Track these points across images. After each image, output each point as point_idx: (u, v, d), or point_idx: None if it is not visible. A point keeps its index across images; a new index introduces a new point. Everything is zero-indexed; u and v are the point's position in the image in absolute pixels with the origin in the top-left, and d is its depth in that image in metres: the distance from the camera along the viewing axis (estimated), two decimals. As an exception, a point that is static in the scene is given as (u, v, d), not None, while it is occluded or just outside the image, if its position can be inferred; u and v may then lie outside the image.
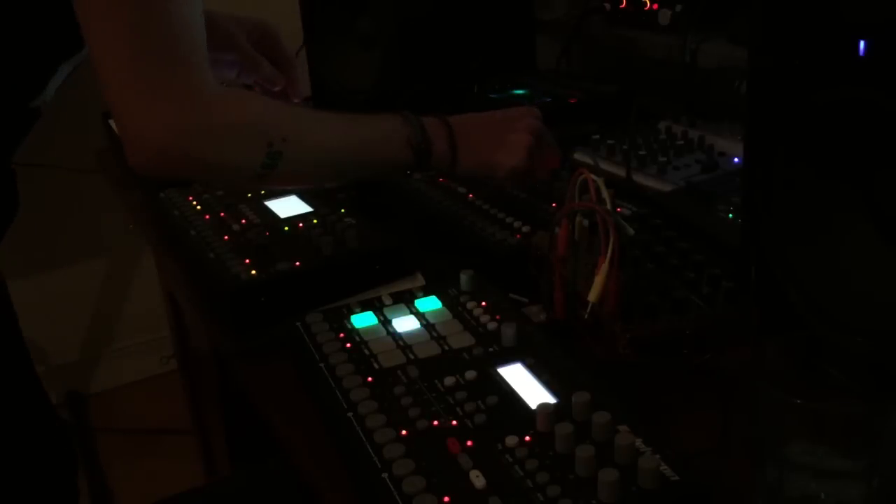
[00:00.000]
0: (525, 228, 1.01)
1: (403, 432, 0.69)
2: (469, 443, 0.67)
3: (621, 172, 1.18)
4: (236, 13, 1.20)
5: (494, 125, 1.00)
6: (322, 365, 0.80)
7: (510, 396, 0.72)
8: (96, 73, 0.81)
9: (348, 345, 0.82)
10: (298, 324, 0.87)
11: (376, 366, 0.78)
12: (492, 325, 0.83)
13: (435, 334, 0.83)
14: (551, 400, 0.71)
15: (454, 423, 0.70)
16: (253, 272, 0.94)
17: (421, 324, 0.85)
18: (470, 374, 0.76)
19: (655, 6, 1.49)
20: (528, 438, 0.67)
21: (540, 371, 0.75)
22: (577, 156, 1.21)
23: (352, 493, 0.68)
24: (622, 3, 1.57)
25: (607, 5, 1.60)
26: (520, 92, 1.51)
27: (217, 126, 0.82)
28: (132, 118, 0.80)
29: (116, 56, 0.79)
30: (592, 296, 0.79)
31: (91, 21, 0.80)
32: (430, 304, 0.88)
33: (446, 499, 0.62)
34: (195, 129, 0.81)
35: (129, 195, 1.38)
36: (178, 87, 0.80)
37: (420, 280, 0.97)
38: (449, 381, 0.75)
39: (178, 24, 0.80)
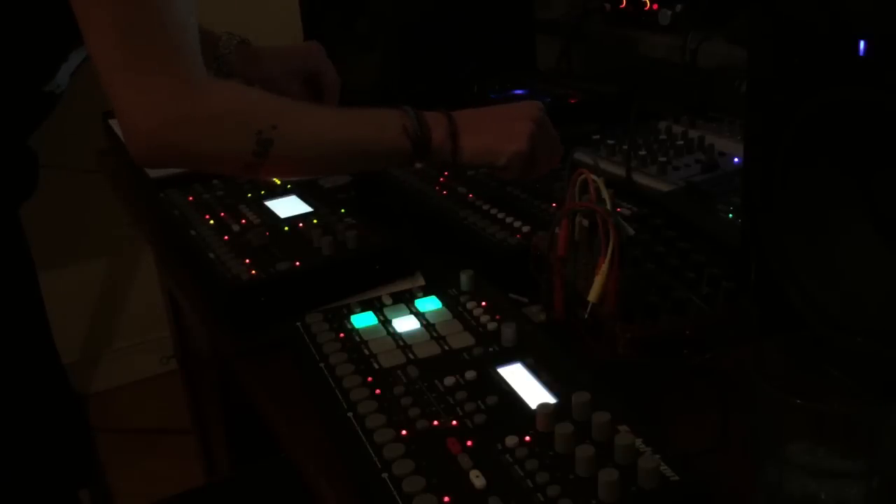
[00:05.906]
0: (525, 228, 1.01)
1: (403, 432, 0.69)
2: (469, 443, 0.67)
3: (621, 172, 1.18)
4: (281, 46, 1.24)
5: (496, 114, 1.00)
6: (322, 365, 0.80)
7: (510, 396, 0.72)
8: (93, 64, 0.82)
9: (348, 345, 0.82)
10: (298, 324, 0.87)
11: (376, 366, 0.78)
12: (492, 325, 0.83)
13: (435, 334, 0.83)
14: (551, 400, 0.71)
15: (454, 423, 0.70)
16: (253, 272, 0.94)
17: (421, 324, 0.85)
18: (470, 374, 0.75)
19: (655, 6, 1.49)
20: (528, 438, 0.67)
21: (540, 371, 0.75)
22: (577, 156, 1.20)
23: (352, 492, 0.68)
24: (622, 3, 1.57)
25: (607, 5, 1.61)
26: (520, 92, 1.51)
27: (205, 115, 0.83)
28: (125, 108, 0.81)
29: (108, 47, 0.81)
30: (592, 296, 0.79)
31: (84, 13, 0.81)
32: (430, 304, 0.88)
33: (446, 499, 0.62)
34: (184, 119, 0.82)
35: (129, 195, 1.38)
36: (167, 78, 0.81)
37: (420, 280, 0.97)
38: (449, 381, 0.75)
39: (167, 14, 0.81)
